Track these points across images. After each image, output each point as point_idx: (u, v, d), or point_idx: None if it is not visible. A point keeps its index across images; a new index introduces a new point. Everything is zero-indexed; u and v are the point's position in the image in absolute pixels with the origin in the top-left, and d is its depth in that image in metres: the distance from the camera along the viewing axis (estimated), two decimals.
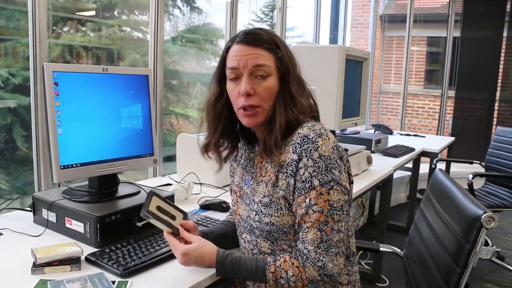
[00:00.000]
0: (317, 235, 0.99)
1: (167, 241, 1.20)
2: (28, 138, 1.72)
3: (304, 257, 1.00)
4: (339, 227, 1.00)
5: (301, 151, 0.99)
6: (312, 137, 0.99)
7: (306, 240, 1.00)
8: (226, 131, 1.13)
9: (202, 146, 1.15)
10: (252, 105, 1.04)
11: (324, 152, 0.99)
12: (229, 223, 1.29)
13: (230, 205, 1.34)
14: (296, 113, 1.05)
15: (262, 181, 1.08)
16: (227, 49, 1.07)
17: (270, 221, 1.04)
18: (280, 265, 1.00)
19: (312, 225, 0.99)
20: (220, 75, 1.10)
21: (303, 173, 0.99)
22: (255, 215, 1.07)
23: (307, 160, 0.99)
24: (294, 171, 1.00)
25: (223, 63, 1.09)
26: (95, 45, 2.38)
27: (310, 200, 0.99)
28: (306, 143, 0.99)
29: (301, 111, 1.06)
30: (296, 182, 1.01)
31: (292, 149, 1.01)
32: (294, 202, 1.02)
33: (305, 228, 1.00)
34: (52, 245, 1.13)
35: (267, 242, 1.08)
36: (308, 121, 1.07)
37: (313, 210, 0.99)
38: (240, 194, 1.18)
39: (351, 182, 1.10)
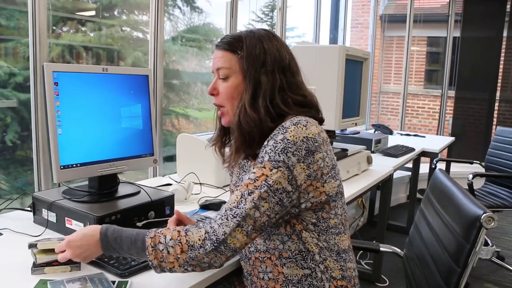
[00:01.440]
0: (237, 198, 0.95)
1: None
2: (27, 138, 1.72)
3: (199, 223, 0.97)
4: (260, 205, 0.94)
5: (271, 137, 1.00)
6: (287, 125, 1.00)
7: (228, 201, 0.98)
8: (226, 130, 1.17)
9: (209, 143, 1.21)
10: (215, 104, 1.13)
11: (290, 136, 0.97)
12: None
13: None
14: (253, 116, 1.03)
15: None
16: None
17: None
18: (160, 231, 0.96)
19: (239, 189, 0.97)
20: None
21: (261, 153, 1.00)
22: None
23: (270, 141, 0.99)
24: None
25: None
26: (95, 45, 2.38)
27: (251, 169, 0.99)
28: (279, 130, 1.00)
29: (262, 114, 1.03)
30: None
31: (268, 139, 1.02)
32: None
33: (233, 192, 0.99)
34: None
35: (261, 238, 1.09)
36: (297, 115, 1.06)
37: (248, 177, 0.97)
38: None
39: (324, 182, 1.02)
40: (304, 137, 0.98)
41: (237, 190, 0.98)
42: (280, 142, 0.97)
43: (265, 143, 1.01)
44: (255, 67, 1.05)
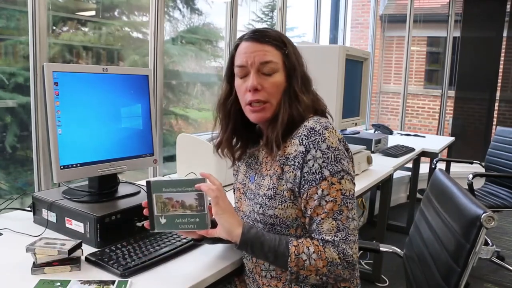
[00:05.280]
0: (333, 224, 0.99)
1: (166, 241, 1.21)
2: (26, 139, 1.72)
3: (323, 241, 1.00)
4: (353, 215, 1.02)
5: (308, 143, 1.01)
6: (319, 129, 1.02)
7: (323, 231, 1.00)
8: (237, 128, 1.16)
9: (215, 144, 1.18)
10: (259, 100, 1.06)
11: (332, 143, 1.01)
12: None
13: (232, 204, 1.35)
14: (300, 110, 1.06)
15: (267, 174, 1.10)
16: (235, 47, 1.11)
17: (274, 214, 1.05)
18: (302, 241, 1.01)
19: (327, 216, 1.00)
20: (229, 73, 1.13)
21: (313, 165, 1.00)
22: (259, 208, 1.08)
23: (316, 151, 1.00)
24: (301, 163, 1.02)
25: (231, 61, 1.11)
26: (95, 45, 2.38)
27: (322, 191, 1.00)
28: (313, 135, 1.01)
29: (305, 108, 1.07)
30: (305, 174, 1.01)
31: (299, 141, 1.02)
32: (305, 195, 1.02)
33: (319, 220, 1.01)
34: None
35: None
36: (314, 116, 1.09)
37: (326, 200, 1.00)
38: (243, 190, 1.19)
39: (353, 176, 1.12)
40: (338, 140, 1.04)
41: (325, 218, 1.00)
42: (328, 152, 1.00)
43: (300, 147, 1.02)
44: (299, 63, 1.10)
